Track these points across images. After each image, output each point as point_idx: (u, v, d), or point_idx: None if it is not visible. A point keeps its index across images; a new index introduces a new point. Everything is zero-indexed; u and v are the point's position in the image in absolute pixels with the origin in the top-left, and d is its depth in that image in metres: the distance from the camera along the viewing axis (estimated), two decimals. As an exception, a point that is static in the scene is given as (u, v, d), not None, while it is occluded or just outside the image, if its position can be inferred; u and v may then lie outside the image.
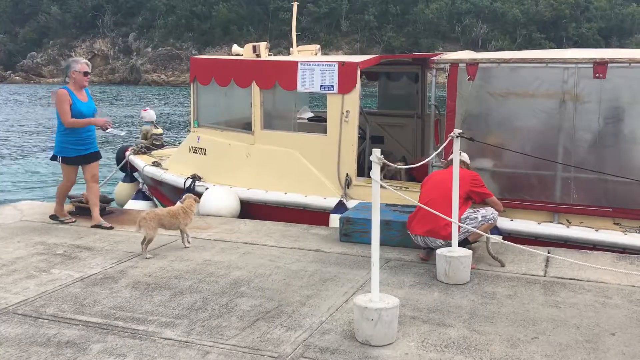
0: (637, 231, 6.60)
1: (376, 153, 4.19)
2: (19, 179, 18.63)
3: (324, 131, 8.69)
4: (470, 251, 5.58)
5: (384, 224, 6.77)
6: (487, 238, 5.90)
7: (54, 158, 7.65)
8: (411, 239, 6.24)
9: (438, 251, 5.56)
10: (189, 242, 6.68)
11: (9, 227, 7.46)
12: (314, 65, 8.52)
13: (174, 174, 9.93)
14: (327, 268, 5.96)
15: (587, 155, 6.77)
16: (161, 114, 35.59)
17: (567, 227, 6.89)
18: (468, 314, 4.79)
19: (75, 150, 7.48)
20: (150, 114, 12.35)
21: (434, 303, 5.02)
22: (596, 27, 74.09)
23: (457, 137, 5.36)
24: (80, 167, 7.67)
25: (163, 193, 10.80)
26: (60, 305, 5.03)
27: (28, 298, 5.19)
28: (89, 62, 7.76)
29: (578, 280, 5.56)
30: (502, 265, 5.81)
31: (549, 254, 5.96)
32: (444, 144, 6.23)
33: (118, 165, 11.82)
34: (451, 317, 4.72)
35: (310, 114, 11.17)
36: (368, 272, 5.81)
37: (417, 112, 10.80)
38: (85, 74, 7.46)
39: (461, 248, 5.60)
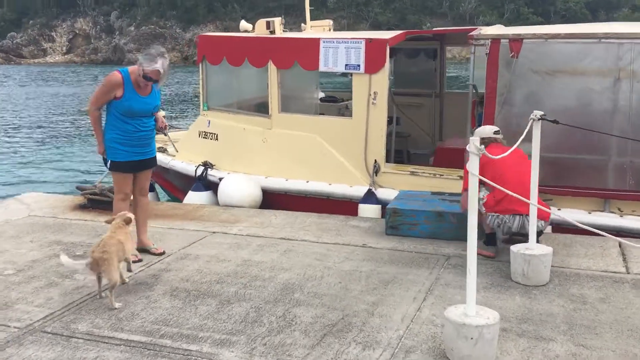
0: None
1: (474, 142, 3.57)
2: (13, 171, 17.63)
3: (338, 112, 8.04)
4: (551, 248, 4.97)
5: (437, 216, 6.20)
6: None
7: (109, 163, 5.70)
8: (484, 226, 5.38)
9: (513, 248, 4.95)
10: (127, 278, 5.05)
11: (18, 224, 6.75)
12: (338, 42, 7.87)
13: (183, 161, 9.29)
14: (383, 267, 5.36)
15: None
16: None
17: (621, 216, 6.38)
18: (565, 323, 4.21)
19: (124, 152, 5.55)
20: None
21: (520, 310, 4.43)
22: (584, 0, 73.47)
23: (539, 119, 4.73)
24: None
25: (170, 181, 10.14)
26: (93, 319, 4.39)
27: (54, 311, 4.53)
28: (162, 70, 5.39)
29: (668, 278, 5.01)
30: None
31: (620, 243, 5.37)
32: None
33: None
34: (547, 328, 4.14)
35: (322, 94, 10.55)
36: (430, 271, 5.23)
37: (436, 90, 10.21)
38: (147, 79, 5.39)
39: (540, 245, 4.99)
